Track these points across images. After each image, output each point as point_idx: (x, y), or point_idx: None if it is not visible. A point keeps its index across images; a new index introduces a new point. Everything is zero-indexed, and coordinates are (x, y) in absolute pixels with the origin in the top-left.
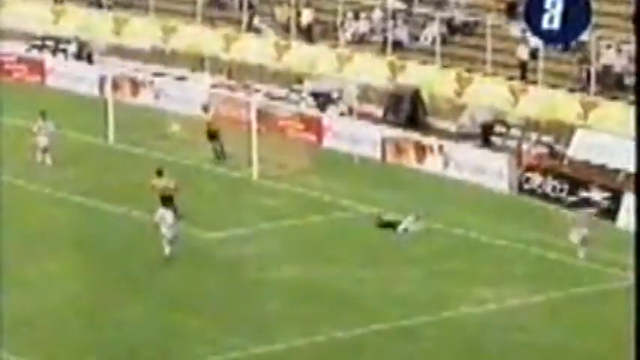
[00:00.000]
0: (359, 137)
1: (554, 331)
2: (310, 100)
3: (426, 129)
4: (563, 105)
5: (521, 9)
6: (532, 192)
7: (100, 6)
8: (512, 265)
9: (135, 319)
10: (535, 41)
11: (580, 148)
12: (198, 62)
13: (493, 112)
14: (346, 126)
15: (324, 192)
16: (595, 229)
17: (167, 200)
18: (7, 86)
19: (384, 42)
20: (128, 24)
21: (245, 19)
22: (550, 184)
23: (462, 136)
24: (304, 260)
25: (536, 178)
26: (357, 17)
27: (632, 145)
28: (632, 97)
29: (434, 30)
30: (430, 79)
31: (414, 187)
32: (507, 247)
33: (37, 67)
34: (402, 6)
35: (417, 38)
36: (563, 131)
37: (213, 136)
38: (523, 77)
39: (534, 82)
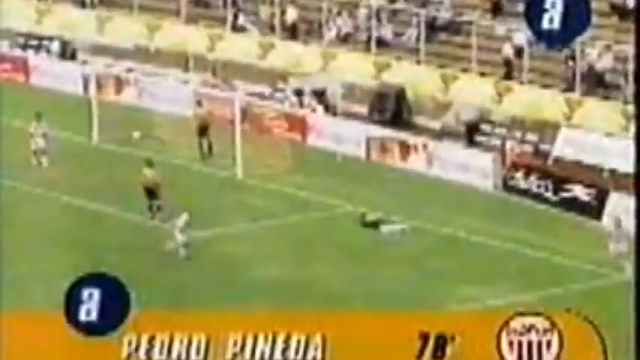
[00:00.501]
0: (343, 136)
1: None
2: (295, 98)
3: (410, 127)
4: (548, 103)
5: (506, 7)
6: (517, 190)
7: (83, 5)
8: (497, 263)
9: None
10: (520, 40)
11: (565, 147)
12: (182, 61)
13: (478, 111)
14: (331, 125)
15: (309, 191)
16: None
17: (151, 193)
18: None
19: (369, 40)
20: (112, 22)
21: (230, 17)
22: (535, 183)
23: (446, 135)
24: (289, 259)
25: (521, 177)
26: (341, 15)
27: (616, 143)
28: (613, 95)
29: (419, 28)
30: (415, 77)
31: (398, 186)
32: (492, 246)
33: (21, 66)
34: (386, 4)
35: (401, 36)
36: (548, 130)
37: (203, 131)
38: (508, 76)
39: (520, 81)
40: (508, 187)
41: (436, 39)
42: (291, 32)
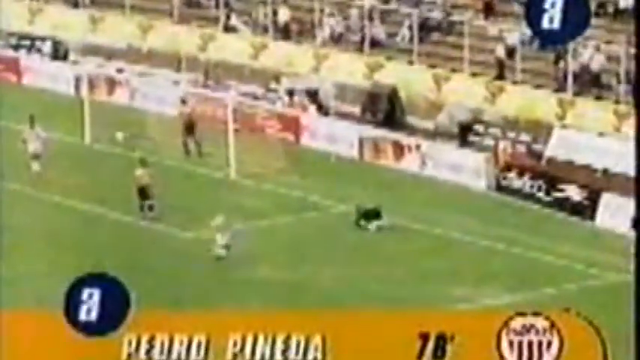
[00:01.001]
0: (337, 136)
1: None
2: (287, 99)
3: (403, 128)
4: (541, 104)
5: (498, 8)
6: (510, 190)
7: (76, 5)
8: (489, 263)
9: None
10: (512, 40)
11: (558, 147)
12: (175, 61)
13: (471, 111)
14: (324, 125)
15: (303, 191)
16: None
17: (144, 193)
18: None
19: (362, 41)
20: (104, 23)
21: (222, 17)
22: (528, 183)
23: (439, 135)
24: (282, 259)
25: (514, 177)
26: (333, 16)
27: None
28: (605, 95)
29: (411, 29)
30: (408, 77)
31: (391, 186)
32: (485, 246)
33: (13, 66)
34: (379, 5)
35: (394, 37)
36: (541, 130)
37: (190, 129)
38: (500, 76)
39: (512, 81)
40: (501, 187)
41: (429, 39)
42: (284, 32)
